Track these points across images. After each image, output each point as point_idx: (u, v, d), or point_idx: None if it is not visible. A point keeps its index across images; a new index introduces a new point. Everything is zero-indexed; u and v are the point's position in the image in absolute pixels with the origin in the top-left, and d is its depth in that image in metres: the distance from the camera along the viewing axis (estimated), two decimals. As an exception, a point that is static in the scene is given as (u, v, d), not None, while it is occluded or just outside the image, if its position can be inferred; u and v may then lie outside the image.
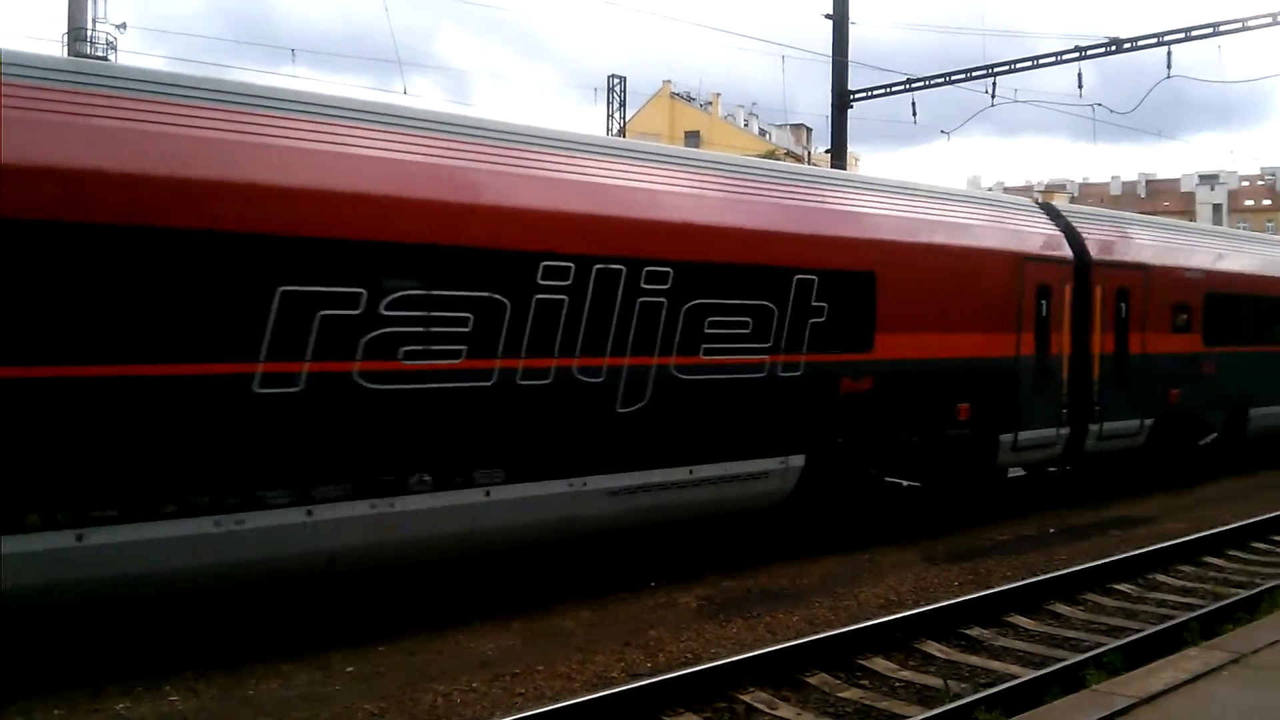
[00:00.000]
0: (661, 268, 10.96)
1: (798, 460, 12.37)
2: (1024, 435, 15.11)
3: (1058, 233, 16.10)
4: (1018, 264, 14.97)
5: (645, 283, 10.82)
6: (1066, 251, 15.94)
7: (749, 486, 11.96)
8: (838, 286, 12.61)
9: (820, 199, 12.98)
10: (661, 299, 10.97)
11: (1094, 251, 16.41)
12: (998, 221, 15.23)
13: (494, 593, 10.79)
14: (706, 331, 11.38)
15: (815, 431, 12.53)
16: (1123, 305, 16.77)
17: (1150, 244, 18.00)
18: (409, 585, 10.54)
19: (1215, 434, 19.08)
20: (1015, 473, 17.59)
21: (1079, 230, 16.49)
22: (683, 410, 11.25)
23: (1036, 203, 17.16)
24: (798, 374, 12.21)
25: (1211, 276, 18.92)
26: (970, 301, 14.30)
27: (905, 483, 14.21)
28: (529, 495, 10.14)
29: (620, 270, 10.63)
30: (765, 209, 12.17)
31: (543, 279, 10.09)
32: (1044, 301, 15.34)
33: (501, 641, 9.49)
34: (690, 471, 11.36)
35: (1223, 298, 19.16)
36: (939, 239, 14.03)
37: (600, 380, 10.53)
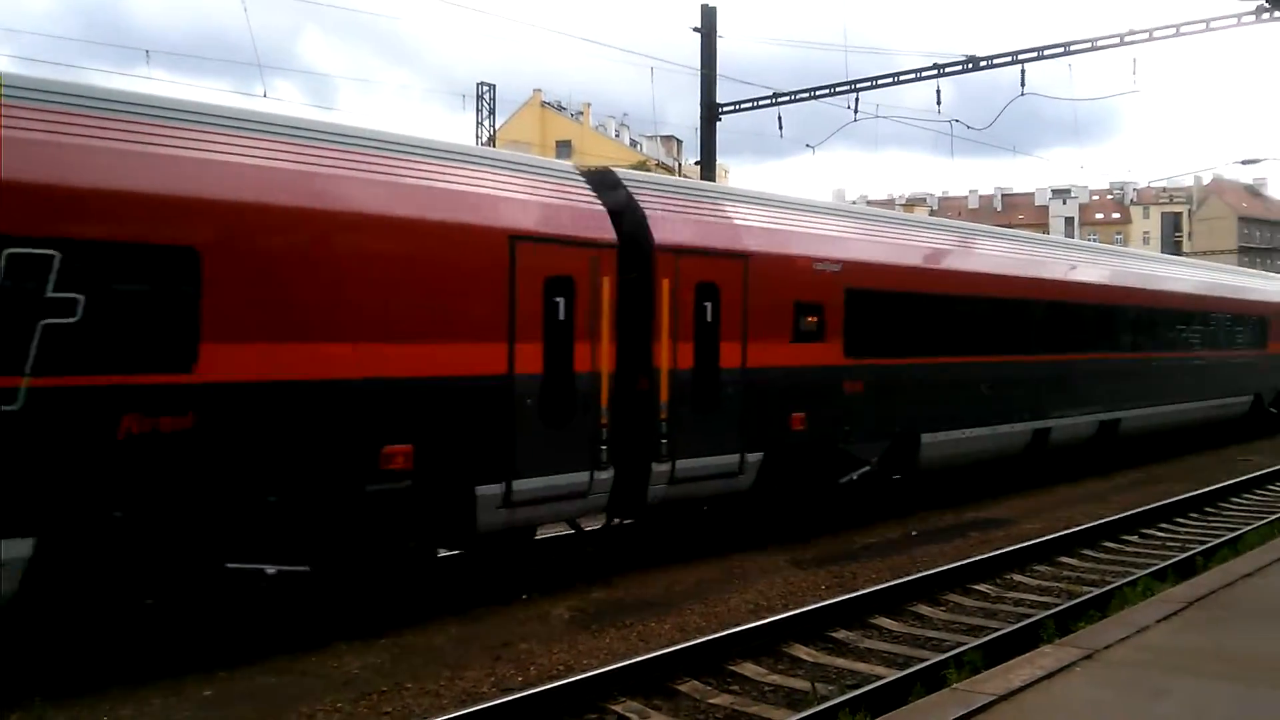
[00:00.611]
0: None
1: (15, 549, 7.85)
2: (525, 485, 11.03)
3: (595, 206, 12.08)
4: (503, 246, 10.85)
5: None
6: (604, 232, 11.92)
7: None
8: (109, 269, 8.35)
9: (67, 128, 8.34)
10: None
11: (661, 233, 12.49)
12: (464, 184, 10.91)
13: (361, 611, 10.55)
14: None
15: (57, 503, 8.11)
16: (709, 305, 12.95)
17: (754, 225, 14.00)
18: (271, 604, 10.23)
19: (867, 468, 15.42)
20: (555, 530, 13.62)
21: (641, 205, 12.58)
22: None
23: (581, 168, 13.13)
24: (13, 408, 7.80)
25: (855, 269, 15.10)
26: (404, 297, 10.09)
27: (273, 569, 9.45)
28: None
29: None
30: None
31: None
32: (561, 299, 11.40)
33: (369, 660, 9.29)
34: None
35: (874, 296, 15.39)
36: (331, 203, 9.66)
37: None
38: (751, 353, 13.42)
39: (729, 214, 13.78)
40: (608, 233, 12.01)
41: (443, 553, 11.83)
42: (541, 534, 12.88)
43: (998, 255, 18.88)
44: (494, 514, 10.92)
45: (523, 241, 11.07)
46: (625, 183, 12.92)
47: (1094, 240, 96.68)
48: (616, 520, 13.32)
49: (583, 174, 12.76)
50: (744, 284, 13.33)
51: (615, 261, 11.98)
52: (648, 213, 12.56)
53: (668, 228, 12.68)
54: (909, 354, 16.13)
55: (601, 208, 12.14)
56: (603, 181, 12.87)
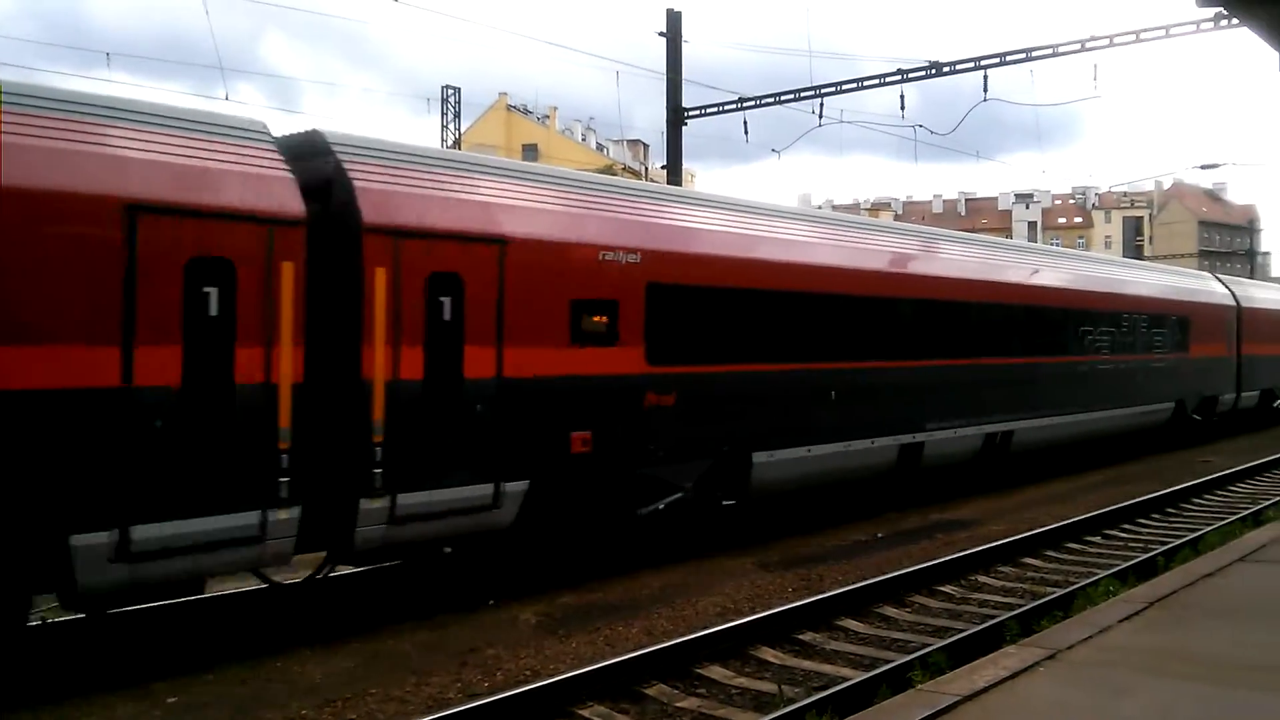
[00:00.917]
0: None
1: None
2: (153, 532, 8.56)
3: (275, 173, 9.59)
4: (113, 218, 8.41)
5: None
6: (284, 205, 9.45)
7: None
8: None
9: None
10: None
11: (375, 211, 10.12)
12: (51, 139, 8.33)
13: (328, 617, 10.48)
14: None
15: None
16: (448, 300, 10.66)
17: (516, 204, 11.55)
18: (240, 612, 10.17)
19: (680, 494, 13.20)
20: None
21: (352, 176, 10.19)
22: None
23: (283, 135, 10.53)
24: None
25: (661, 260, 12.80)
26: None
27: None
28: None
29: None
30: None
31: None
32: (214, 289, 8.97)
33: (335, 666, 9.23)
34: None
35: (687, 293, 13.13)
36: None
37: None
38: (511, 360, 11.16)
39: (481, 190, 11.35)
40: (289, 206, 9.53)
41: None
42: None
43: (850, 246, 16.47)
44: (104, 570, 8.37)
45: (149, 214, 8.62)
46: (335, 149, 10.45)
47: (1056, 244, 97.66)
48: (325, 572, 10.88)
49: (280, 138, 10.37)
50: (500, 275, 11.07)
51: (304, 243, 9.57)
52: (358, 185, 10.16)
53: (386, 204, 10.30)
54: (736, 359, 13.84)
55: (285, 175, 9.67)
56: (306, 147, 10.53)
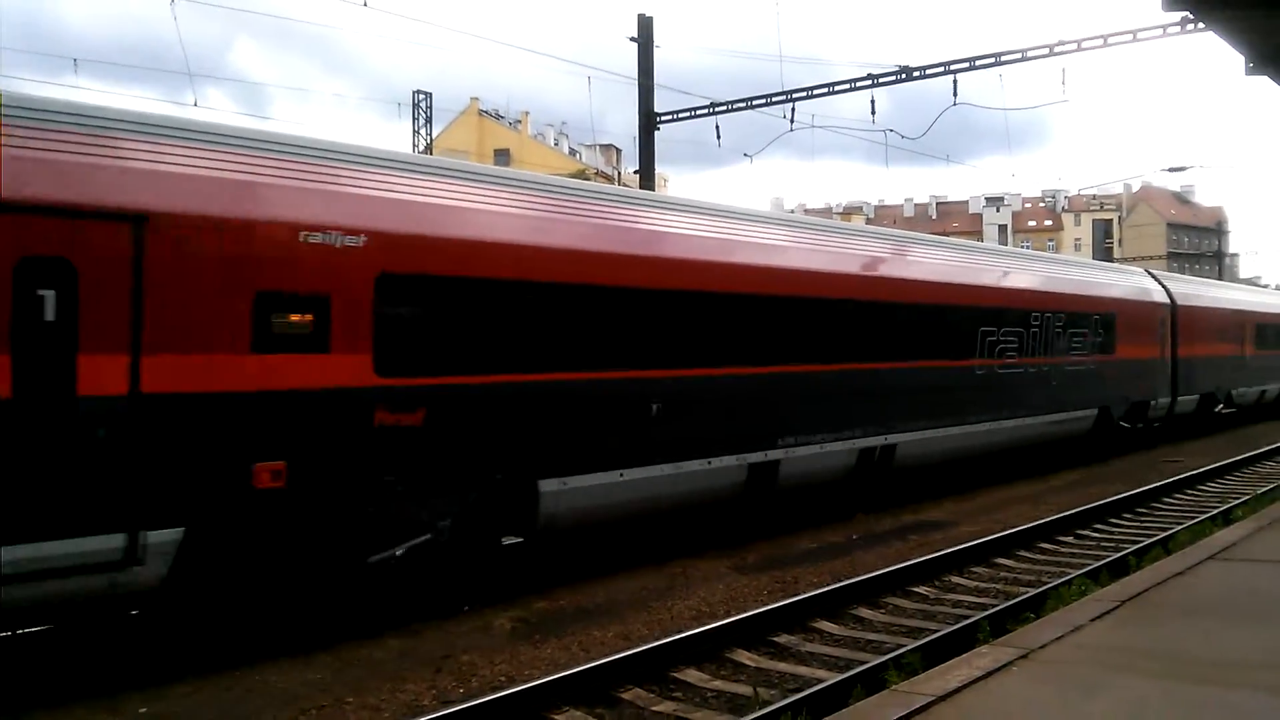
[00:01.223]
0: None
1: None
2: None
3: None
4: None
5: None
6: None
7: None
8: None
9: None
10: None
11: None
12: None
13: (302, 626, 10.42)
14: None
15: None
16: (50, 295, 8.19)
17: (168, 170, 8.95)
18: (212, 621, 10.09)
19: (428, 535, 10.74)
20: None
21: None
22: None
23: None
24: None
25: (399, 243, 10.27)
26: None
27: None
28: None
29: None
30: None
31: None
32: None
33: (309, 675, 9.17)
34: None
35: (437, 285, 10.65)
36: None
37: None
38: (154, 371, 8.60)
39: (116, 153, 8.75)
40: None
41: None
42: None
43: (671, 232, 13.69)
44: None
45: None
46: None
47: (1026, 246, 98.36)
48: None
49: None
50: (137, 261, 8.54)
51: None
52: None
53: None
54: (512, 368, 11.28)
55: None
56: None
